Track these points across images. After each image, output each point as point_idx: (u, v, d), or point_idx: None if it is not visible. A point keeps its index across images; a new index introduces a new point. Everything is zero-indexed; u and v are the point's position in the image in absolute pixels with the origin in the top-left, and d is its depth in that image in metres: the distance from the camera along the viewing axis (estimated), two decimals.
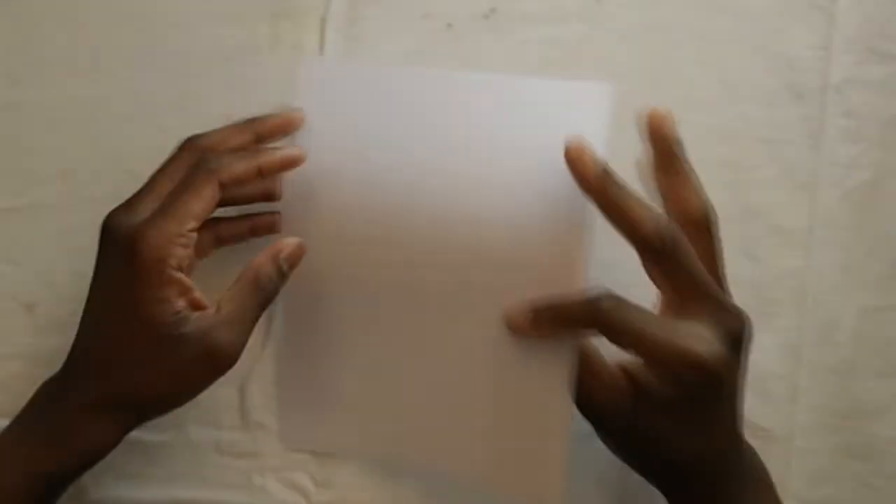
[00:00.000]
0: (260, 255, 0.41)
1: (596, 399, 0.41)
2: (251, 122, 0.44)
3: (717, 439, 0.41)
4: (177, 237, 0.39)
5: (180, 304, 0.40)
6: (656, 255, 0.39)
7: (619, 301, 0.39)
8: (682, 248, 0.39)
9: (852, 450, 0.48)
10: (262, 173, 0.42)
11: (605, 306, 0.39)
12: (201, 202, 0.40)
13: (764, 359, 0.48)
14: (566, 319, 0.41)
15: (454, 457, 0.44)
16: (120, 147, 0.48)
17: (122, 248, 0.39)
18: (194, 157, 0.42)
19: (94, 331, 0.41)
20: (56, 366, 0.47)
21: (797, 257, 0.48)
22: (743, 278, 0.48)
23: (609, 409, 0.40)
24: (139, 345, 0.40)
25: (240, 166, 0.41)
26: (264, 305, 0.41)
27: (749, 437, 0.45)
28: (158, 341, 0.39)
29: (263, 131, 0.44)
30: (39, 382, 0.46)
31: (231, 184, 0.41)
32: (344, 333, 0.46)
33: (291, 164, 0.43)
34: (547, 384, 0.41)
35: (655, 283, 0.41)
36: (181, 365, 0.39)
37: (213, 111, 0.47)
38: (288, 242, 0.42)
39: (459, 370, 0.44)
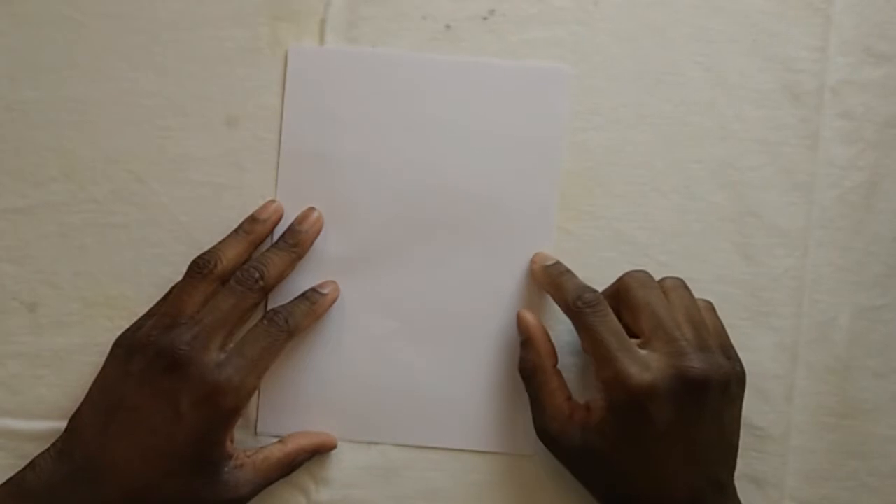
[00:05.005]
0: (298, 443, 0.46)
1: (546, 426, 0.44)
2: (247, 232, 0.46)
3: (661, 482, 0.42)
4: (254, 390, 0.44)
5: (231, 448, 0.44)
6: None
7: (601, 304, 0.43)
8: (627, 293, 0.44)
9: (849, 449, 0.48)
10: (317, 316, 0.46)
11: (587, 298, 0.43)
12: (277, 359, 0.44)
13: (760, 358, 0.48)
14: (558, 290, 0.45)
15: (433, 432, 0.47)
16: (120, 148, 0.48)
17: (199, 389, 0.42)
18: (241, 292, 0.44)
19: (125, 444, 0.42)
20: (56, 366, 0.47)
21: (794, 257, 0.48)
22: (740, 278, 0.48)
23: (557, 435, 0.44)
24: (177, 475, 0.42)
25: (307, 321, 0.45)
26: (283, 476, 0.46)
27: (746, 435, 0.45)
28: (197, 477, 0.43)
29: (258, 238, 0.47)
30: (40, 382, 0.47)
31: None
32: (326, 320, 0.47)
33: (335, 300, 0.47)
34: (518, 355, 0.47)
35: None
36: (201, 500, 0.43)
37: (213, 112, 0.48)
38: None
39: (434, 353, 0.48)
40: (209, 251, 0.45)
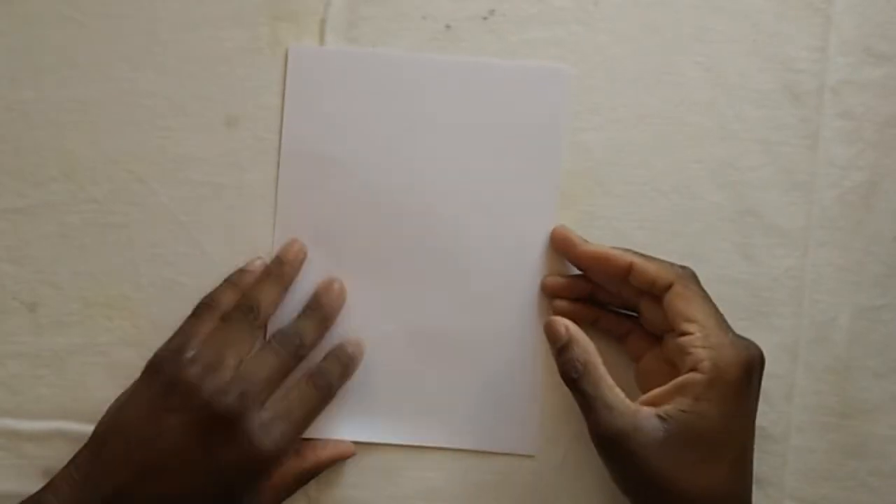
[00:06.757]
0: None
1: (616, 424, 0.41)
2: (278, 275, 0.47)
3: (744, 465, 0.42)
4: (293, 445, 0.44)
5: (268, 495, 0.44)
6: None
7: (694, 278, 0.44)
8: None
9: (848, 449, 0.48)
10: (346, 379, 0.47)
11: (691, 270, 0.44)
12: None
13: None
14: (647, 261, 0.44)
15: (433, 431, 0.47)
16: (121, 148, 0.48)
17: (244, 454, 0.42)
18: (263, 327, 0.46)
19: (157, 486, 0.42)
20: (56, 366, 0.47)
21: (794, 257, 0.48)
22: (740, 278, 0.48)
23: (632, 431, 0.41)
24: None
25: (340, 382, 0.46)
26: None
27: None
28: None
29: (289, 281, 0.47)
30: (40, 382, 0.47)
31: None
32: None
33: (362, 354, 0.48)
34: (517, 355, 0.48)
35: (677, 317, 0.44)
36: None
37: (213, 112, 0.48)
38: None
39: (434, 353, 0.48)
40: (250, 296, 0.46)
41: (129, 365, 0.46)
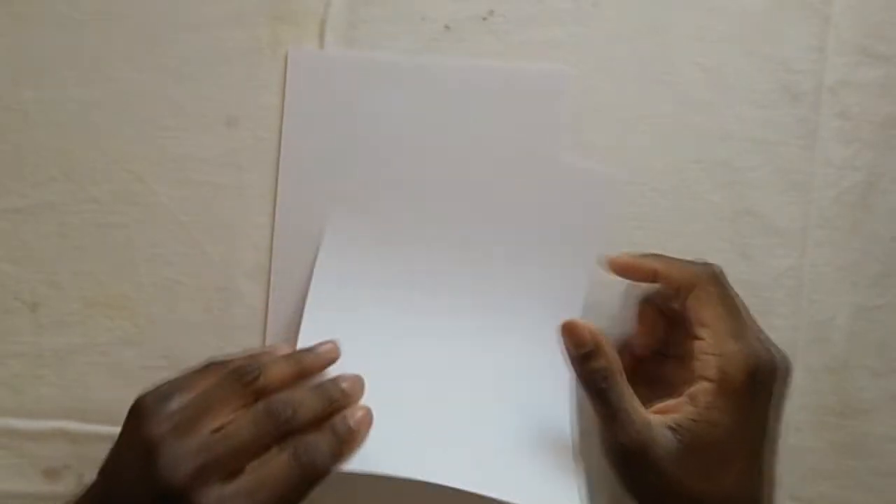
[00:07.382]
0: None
1: (636, 437, 0.40)
2: (297, 360, 0.42)
3: (756, 474, 0.42)
4: None
5: None
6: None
7: (722, 275, 0.43)
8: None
9: (846, 448, 0.48)
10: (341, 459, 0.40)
11: (715, 269, 0.43)
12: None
13: None
14: (669, 265, 0.44)
15: (466, 475, 0.43)
16: (120, 148, 0.48)
17: None
18: (267, 415, 0.39)
19: None
20: (57, 365, 0.47)
21: (792, 257, 0.49)
22: (738, 278, 0.48)
23: (648, 444, 0.40)
24: None
25: (332, 461, 0.39)
26: None
27: None
28: None
29: (307, 371, 0.42)
30: (41, 381, 0.47)
31: None
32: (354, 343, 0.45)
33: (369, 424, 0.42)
34: (551, 403, 0.46)
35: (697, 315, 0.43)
36: None
37: (213, 113, 0.48)
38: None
39: (464, 389, 0.46)
40: (257, 364, 0.41)
41: (129, 365, 0.46)
